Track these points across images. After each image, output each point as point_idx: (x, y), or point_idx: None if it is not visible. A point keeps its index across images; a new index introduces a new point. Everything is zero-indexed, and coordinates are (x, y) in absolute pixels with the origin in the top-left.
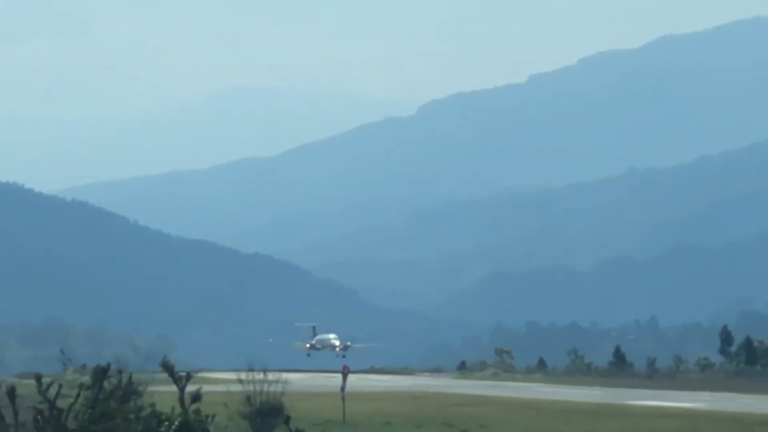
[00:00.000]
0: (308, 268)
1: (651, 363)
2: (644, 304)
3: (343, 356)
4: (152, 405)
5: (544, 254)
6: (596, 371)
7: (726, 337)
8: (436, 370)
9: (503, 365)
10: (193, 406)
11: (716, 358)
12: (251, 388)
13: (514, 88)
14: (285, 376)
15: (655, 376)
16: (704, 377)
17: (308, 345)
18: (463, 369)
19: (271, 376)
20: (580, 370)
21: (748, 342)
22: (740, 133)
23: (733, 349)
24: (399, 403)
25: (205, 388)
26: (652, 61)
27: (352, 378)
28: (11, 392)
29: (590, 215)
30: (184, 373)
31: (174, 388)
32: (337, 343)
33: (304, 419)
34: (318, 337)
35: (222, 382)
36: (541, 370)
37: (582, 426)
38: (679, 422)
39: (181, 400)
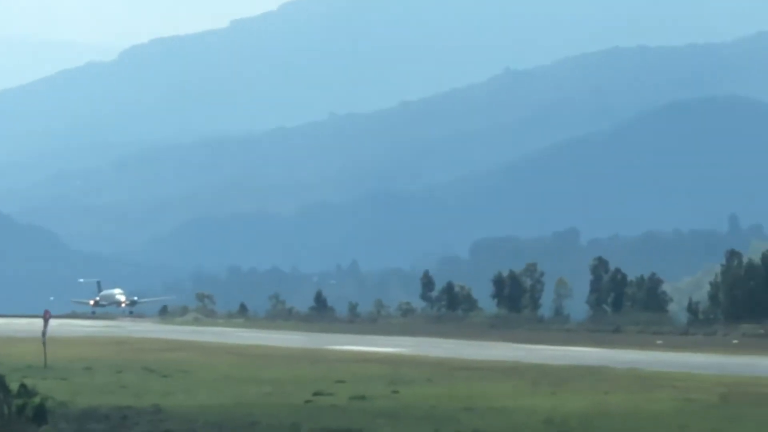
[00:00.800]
0: (8, 213)
1: (352, 308)
2: (345, 249)
3: (130, 312)
4: None
5: (246, 199)
6: (297, 316)
7: (427, 281)
8: (137, 315)
9: (204, 310)
10: None
11: (417, 303)
12: None
13: (215, 33)
14: None
15: (356, 321)
16: (405, 322)
17: (92, 302)
18: (164, 314)
19: None
20: (281, 315)
21: (449, 287)
22: (439, 79)
23: (434, 293)
24: (101, 347)
25: None
26: (355, 6)
27: (54, 323)
28: None
29: (291, 160)
30: None
31: None
32: (123, 298)
33: (4, 365)
34: (103, 292)
35: None
36: (242, 314)
37: (283, 371)
38: (381, 367)
39: None
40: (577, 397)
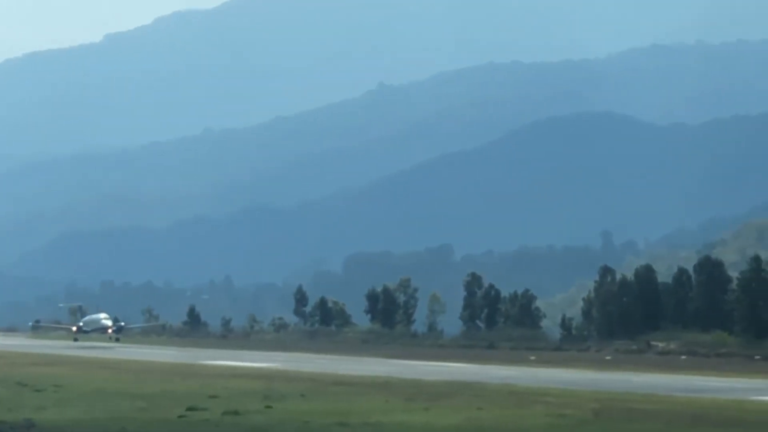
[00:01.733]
0: None
1: (225, 323)
2: (219, 264)
3: (117, 339)
4: None
5: (120, 214)
6: (171, 331)
7: (300, 297)
8: (10, 330)
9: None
10: None
11: (291, 318)
12: None
13: (89, 48)
14: None
15: (229, 336)
16: (279, 337)
17: (75, 328)
18: (37, 328)
19: None
20: (154, 330)
21: (322, 302)
22: (314, 94)
23: (308, 309)
24: None
25: None
26: (228, 21)
27: None
28: None
29: (166, 175)
30: None
31: None
32: (109, 323)
33: None
34: (86, 318)
35: None
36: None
37: (157, 386)
38: (254, 382)
39: None
40: (451, 412)
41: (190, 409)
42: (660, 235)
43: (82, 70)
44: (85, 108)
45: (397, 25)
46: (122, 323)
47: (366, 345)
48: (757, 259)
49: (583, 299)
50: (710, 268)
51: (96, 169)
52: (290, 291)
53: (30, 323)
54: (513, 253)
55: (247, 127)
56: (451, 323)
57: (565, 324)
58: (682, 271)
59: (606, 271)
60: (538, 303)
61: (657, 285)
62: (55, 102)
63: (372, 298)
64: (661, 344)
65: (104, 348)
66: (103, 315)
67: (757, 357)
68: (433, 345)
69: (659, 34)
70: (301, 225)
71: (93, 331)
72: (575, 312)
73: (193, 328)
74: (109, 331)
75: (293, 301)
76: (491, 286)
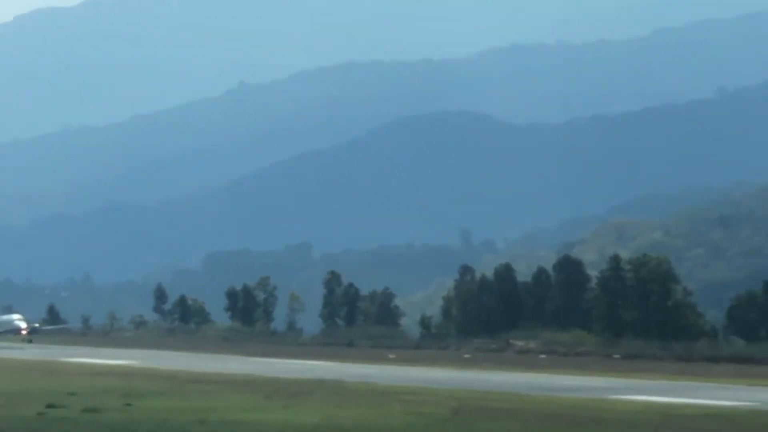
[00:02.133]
0: None
1: (85, 320)
2: (79, 262)
3: (30, 341)
4: None
5: None
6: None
7: (160, 295)
8: None
9: None
10: None
11: (151, 316)
12: None
13: None
14: None
15: (89, 334)
16: (138, 335)
17: None
18: None
19: None
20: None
21: (182, 300)
22: (174, 92)
23: (167, 306)
24: None
25: None
26: (88, 19)
27: None
28: None
29: (25, 172)
30: None
31: None
32: (23, 324)
33: None
34: None
35: None
36: None
37: (15, 383)
38: (114, 380)
39: None
40: (310, 410)
41: (49, 406)
42: (519, 234)
43: None
44: None
45: (257, 24)
46: (36, 324)
47: (226, 343)
48: (615, 258)
49: (443, 298)
50: (569, 267)
51: None
52: (150, 289)
53: None
54: (372, 251)
55: (107, 124)
56: (311, 321)
57: (424, 322)
58: (541, 270)
59: (465, 269)
60: (397, 301)
61: (516, 284)
62: None
63: (231, 296)
64: (520, 343)
65: (8, 349)
66: (16, 316)
67: (616, 356)
68: (292, 343)
69: (519, 34)
70: (160, 223)
71: (6, 332)
72: (435, 310)
73: (55, 325)
74: (23, 332)
75: (153, 299)
76: (350, 285)
